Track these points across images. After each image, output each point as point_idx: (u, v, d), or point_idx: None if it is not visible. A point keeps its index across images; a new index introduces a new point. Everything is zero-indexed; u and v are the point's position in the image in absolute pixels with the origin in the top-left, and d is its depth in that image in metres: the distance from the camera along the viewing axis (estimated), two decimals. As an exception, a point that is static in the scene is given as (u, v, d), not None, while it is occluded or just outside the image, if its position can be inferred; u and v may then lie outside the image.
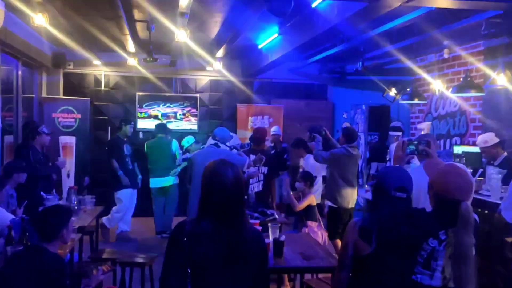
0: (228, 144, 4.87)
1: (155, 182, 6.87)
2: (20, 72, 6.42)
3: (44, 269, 2.58)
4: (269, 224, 3.60)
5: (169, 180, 6.88)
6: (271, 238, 3.39)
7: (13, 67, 6.30)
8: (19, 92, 6.40)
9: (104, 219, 6.47)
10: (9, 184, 4.33)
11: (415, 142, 2.77)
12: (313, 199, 4.95)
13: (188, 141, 7.37)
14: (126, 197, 6.58)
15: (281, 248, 3.29)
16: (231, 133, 5.12)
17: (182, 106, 8.30)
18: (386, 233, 2.06)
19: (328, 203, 5.31)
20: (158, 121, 7.87)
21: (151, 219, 7.06)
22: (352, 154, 5.24)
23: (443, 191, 2.13)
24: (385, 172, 2.32)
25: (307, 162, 5.70)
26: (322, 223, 5.00)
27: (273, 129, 7.34)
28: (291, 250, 3.45)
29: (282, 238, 3.35)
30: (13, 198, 4.39)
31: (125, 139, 6.79)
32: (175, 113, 8.27)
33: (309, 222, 4.84)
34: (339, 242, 5.07)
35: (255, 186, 5.31)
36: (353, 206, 5.36)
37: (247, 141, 8.35)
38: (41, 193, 4.65)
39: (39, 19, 4.37)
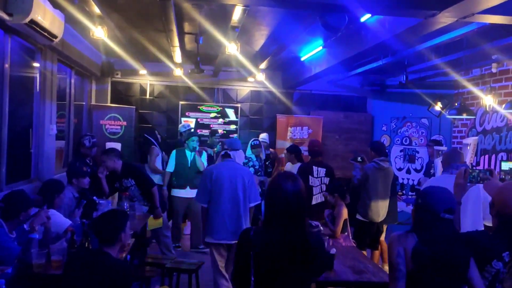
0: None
1: None
2: (73, 81, 6.72)
3: (109, 274, 2.63)
4: (318, 237, 3.62)
5: None
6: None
7: (66, 76, 6.59)
8: (71, 99, 6.69)
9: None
10: (73, 188, 4.50)
11: (478, 171, 2.69)
12: (345, 212, 4.75)
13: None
14: None
15: (332, 261, 3.32)
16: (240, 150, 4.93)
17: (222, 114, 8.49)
18: (439, 255, 2.07)
19: (358, 216, 5.29)
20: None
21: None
22: (382, 167, 5.25)
23: (504, 208, 2.16)
24: (432, 193, 2.22)
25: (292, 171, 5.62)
26: (350, 234, 4.90)
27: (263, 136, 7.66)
28: (340, 263, 3.46)
29: (333, 251, 3.36)
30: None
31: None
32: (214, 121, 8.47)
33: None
34: (365, 253, 5.13)
35: (318, 197, 5.28)
36: (383, 218, 5.35)
37: (285, 151, 8.43)
38: (94, 197, 4.82)
39: (99, 32, 4.56)
